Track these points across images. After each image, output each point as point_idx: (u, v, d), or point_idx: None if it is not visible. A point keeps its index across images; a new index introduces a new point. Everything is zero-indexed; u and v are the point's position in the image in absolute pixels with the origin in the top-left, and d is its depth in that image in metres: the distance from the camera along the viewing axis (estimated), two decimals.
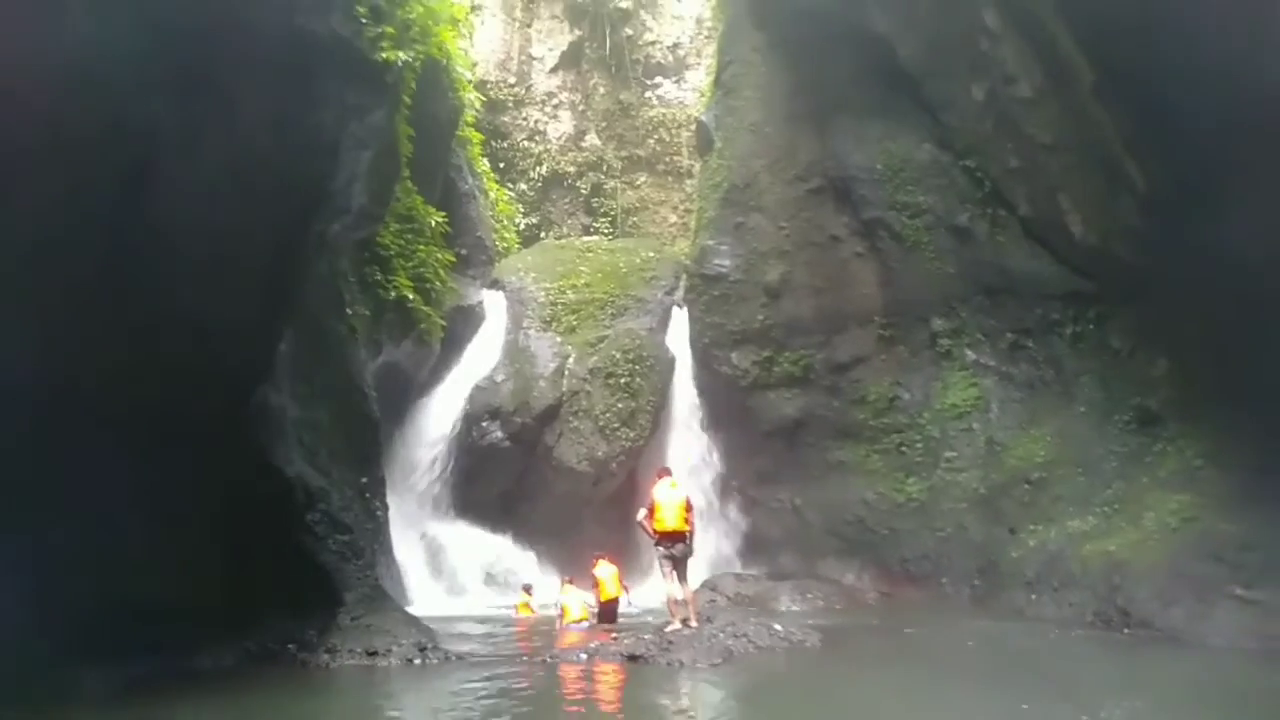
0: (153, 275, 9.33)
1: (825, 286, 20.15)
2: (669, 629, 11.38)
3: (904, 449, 18.44)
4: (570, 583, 16.86)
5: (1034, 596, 13.73)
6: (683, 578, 11.71)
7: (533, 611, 17.67)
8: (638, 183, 33.60)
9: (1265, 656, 9.50)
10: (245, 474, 11.16)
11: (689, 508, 11.75)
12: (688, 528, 11.63)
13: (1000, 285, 17.09)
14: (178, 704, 8.41)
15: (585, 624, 15.14)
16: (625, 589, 15.86)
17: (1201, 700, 8.13)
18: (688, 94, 33.78)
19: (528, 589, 18.36)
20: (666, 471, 12.51)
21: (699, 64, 33.43)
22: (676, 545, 11.55)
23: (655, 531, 11.56)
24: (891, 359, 19.21)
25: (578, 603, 15.62)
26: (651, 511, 11.63)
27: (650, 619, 14.42)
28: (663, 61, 34.60)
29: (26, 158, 8.07)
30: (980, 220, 17.20)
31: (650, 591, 19.38)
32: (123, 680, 8.79)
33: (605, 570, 15.50)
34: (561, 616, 15.47)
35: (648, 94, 34.47)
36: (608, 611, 15.08)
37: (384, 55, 12.24)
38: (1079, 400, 15.60)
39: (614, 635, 11.51)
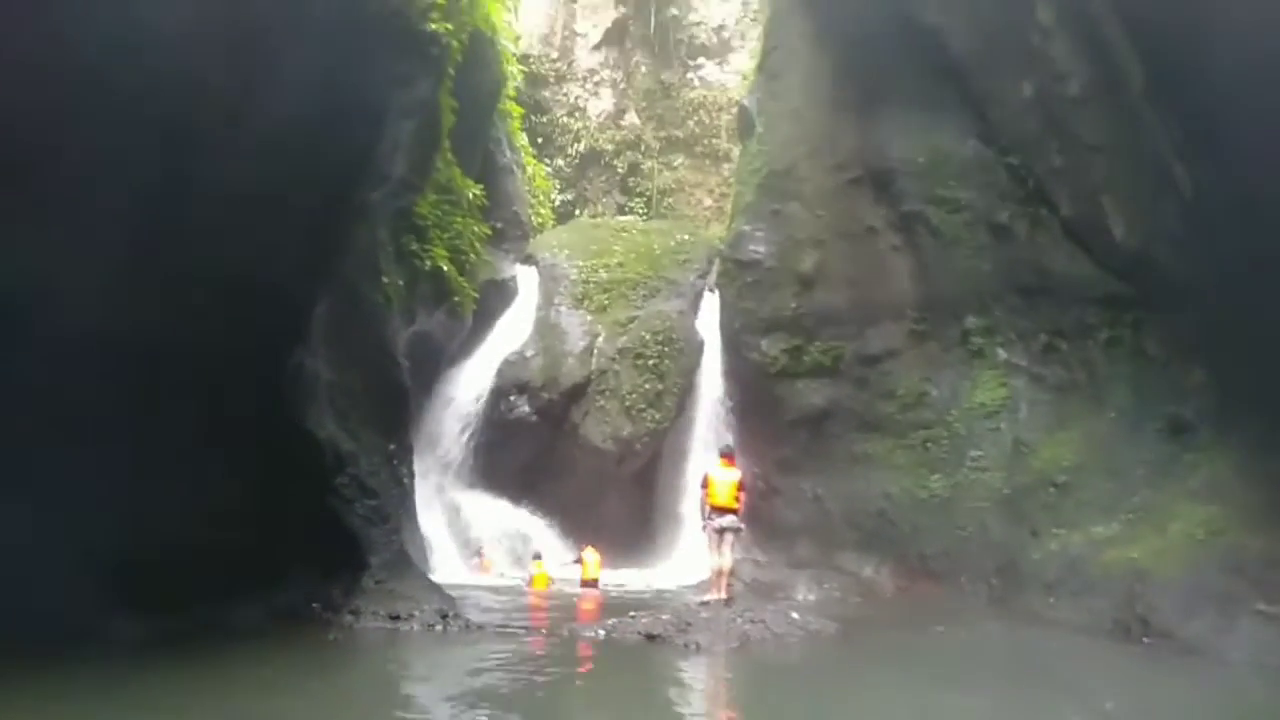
0: (195, 234, 9.46)
1: (860, 278, 19.98)
2: (708, 598, 12.27)
3: (929, 445, 18.31)
4: (591, 547, 19.25)
5: (1053, 600, 13.64)
6: (728, 548, 12.57)
7: (549, 581, 18.23)
8: (675, 164, 33.44)
9: None
10: (278, 434, 11.34)
11: (741, 487, 12.71)
12: (737, 505, 12.54)
13: (1037, 285, 16.86)
14: (207, 656, 8.62)
15: (593, 585, 18.37)
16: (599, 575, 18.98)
17: (1217, 714, 8.10)
18: (730, 77, 33.50)
19: (537, 557, 19.08)
20: (729, 453, 13.39)
21: (743, 46, 33.15)
22: (725, 516, 12.39)
23: (710, 506, 12.48)
24: (922, 354, 19.03)
25: (593, 563, 18.68)
26: (705, 487, 12.64)
27: (645, 600, 14.52)
28: (707, 43, 34.34)
29: (67, 111, 8.17)
30: (1020, 219, 16.94)
31: (663, 572, 19.75)
32: (154, 631, 9.02)
33: (591, 555, 18.90)
34: (581, 569, 18.71)
35: (690, 75, 34.25)
36: (588, 587, 18.35)
37: (432, 26, 12.29)
38: (1109, 405, 15.41)
39: (632, 614, 11.65)
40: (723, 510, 12.39)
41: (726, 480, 12.56)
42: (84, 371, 8.74)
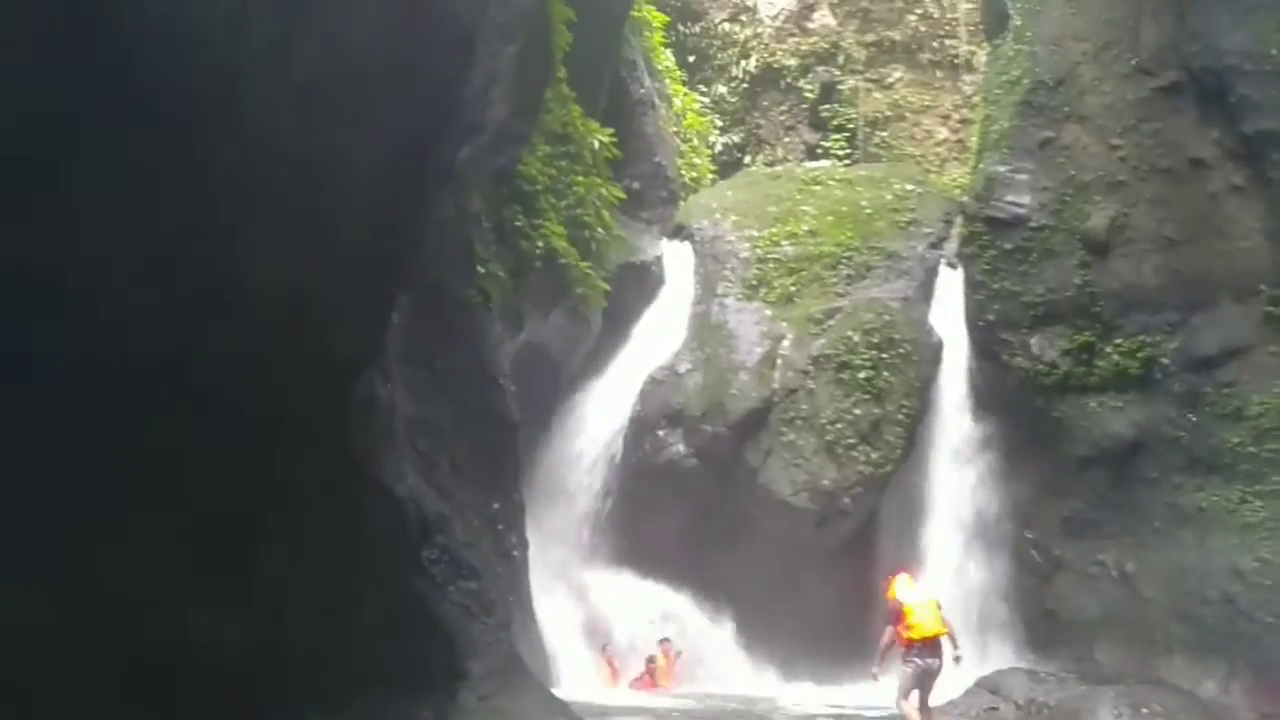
0: (227, 223, 9.94)
1: (1182, 238, 19.57)
2: None
3: None
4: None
5: None
6: (927, 695, 13.12)
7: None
8: (889, 81, 33.20)
9: None
10: (341, 492, 11.74)
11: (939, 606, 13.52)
12: (947, 629, 13.27)
13: None
14: None
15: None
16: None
17: None
18: None
19: (605, 650, 20.46)
20: (900, 571, 14.39)
21: None
22: (933, 656, 12.89)
23: (908, 641, 12.95)
24: None
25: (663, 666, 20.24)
26: (901, 618, 13.06)
27: None
28: None
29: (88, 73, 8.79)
30: None
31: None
32: None
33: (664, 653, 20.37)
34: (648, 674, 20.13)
35: None
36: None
37: None
38: None
39: None
40: (930, 644, 12.94)
41: (926, 600, 13.28)
42: (75, 412, 9.31)
